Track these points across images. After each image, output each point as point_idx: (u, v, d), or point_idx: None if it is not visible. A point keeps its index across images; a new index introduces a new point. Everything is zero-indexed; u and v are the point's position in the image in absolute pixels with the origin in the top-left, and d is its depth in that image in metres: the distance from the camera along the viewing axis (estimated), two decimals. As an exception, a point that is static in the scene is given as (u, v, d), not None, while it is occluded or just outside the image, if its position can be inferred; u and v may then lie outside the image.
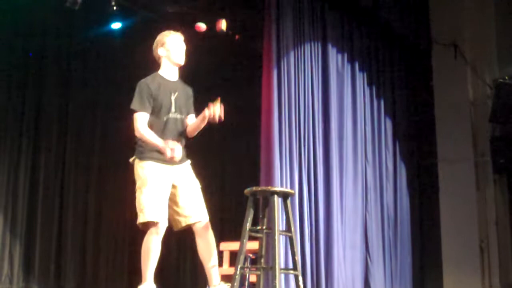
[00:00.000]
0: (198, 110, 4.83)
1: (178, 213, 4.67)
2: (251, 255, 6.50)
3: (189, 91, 4.88)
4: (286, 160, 6.69)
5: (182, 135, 4.75)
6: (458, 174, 8.60)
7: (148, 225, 4.49)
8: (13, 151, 8.43)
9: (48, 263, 8.56)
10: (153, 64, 4.91)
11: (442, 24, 8.99)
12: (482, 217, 8.45)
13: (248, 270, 5.70)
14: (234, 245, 6.56)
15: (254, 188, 4.77)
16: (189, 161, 4.78)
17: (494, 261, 8.35)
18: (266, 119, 6.69)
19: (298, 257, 5.30)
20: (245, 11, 7.50)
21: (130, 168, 4.75)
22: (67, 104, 8.99)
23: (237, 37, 7.79)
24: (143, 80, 4.69)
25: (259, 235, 4.87)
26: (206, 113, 4.61)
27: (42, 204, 8.58)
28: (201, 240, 4.70)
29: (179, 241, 8.86)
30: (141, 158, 4.59)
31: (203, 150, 10.07)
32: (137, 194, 4.57)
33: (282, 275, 6.11)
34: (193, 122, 4.81)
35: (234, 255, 5.73)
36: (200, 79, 7.34)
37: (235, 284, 4.59)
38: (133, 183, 4.67)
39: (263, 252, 4.89)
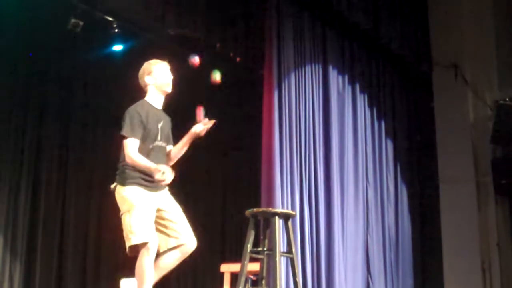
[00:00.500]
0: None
1: (167, 234, 4.58)
2: (252, 277, 6.46)
3: (170, 120, 4.87)
4: (287, 181, 6.69)
5: (165, 163, 4.67)
6: (459, 195, 8.57)
7: (138, 248, 4.40)
8: (15, 171, 8.42)
9: (48, 284, 8.51)
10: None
11: (442, 45, 9.02)
12: (484, 239, 8.41)
13: (249, 291, 5.68)
14: (235, 267, 6.52)
15: (255, 210, 4.78)
16: (167, 188, 4.71)
17: (496, 282, 8.29)
18: (267, 140, 6.70)
19: (299, 279, 5.28)
20: (246, 33, 7.54)
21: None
22: (68, 124, 9.01)
23: (238, 59, 7.81)
24: (132, 107, 4.68)
25: (260, 256, 4.87)
26: (194, 129, 4.67)
27: (43, 223, 8.54)
28: (175, 259, 4.57)
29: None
30: (124, 184, 4.56)
31: (204, 171, 10.12)
32: (124, 219, 4.50)
33: (283, 297, 6.08)
34: (178, 143, 4.80)
35: (235, 277, 5.71)
36: (200, 99, 7.35)
37: (236, 305, 4.58)
38: None
39: (264, 274, 4.89)
